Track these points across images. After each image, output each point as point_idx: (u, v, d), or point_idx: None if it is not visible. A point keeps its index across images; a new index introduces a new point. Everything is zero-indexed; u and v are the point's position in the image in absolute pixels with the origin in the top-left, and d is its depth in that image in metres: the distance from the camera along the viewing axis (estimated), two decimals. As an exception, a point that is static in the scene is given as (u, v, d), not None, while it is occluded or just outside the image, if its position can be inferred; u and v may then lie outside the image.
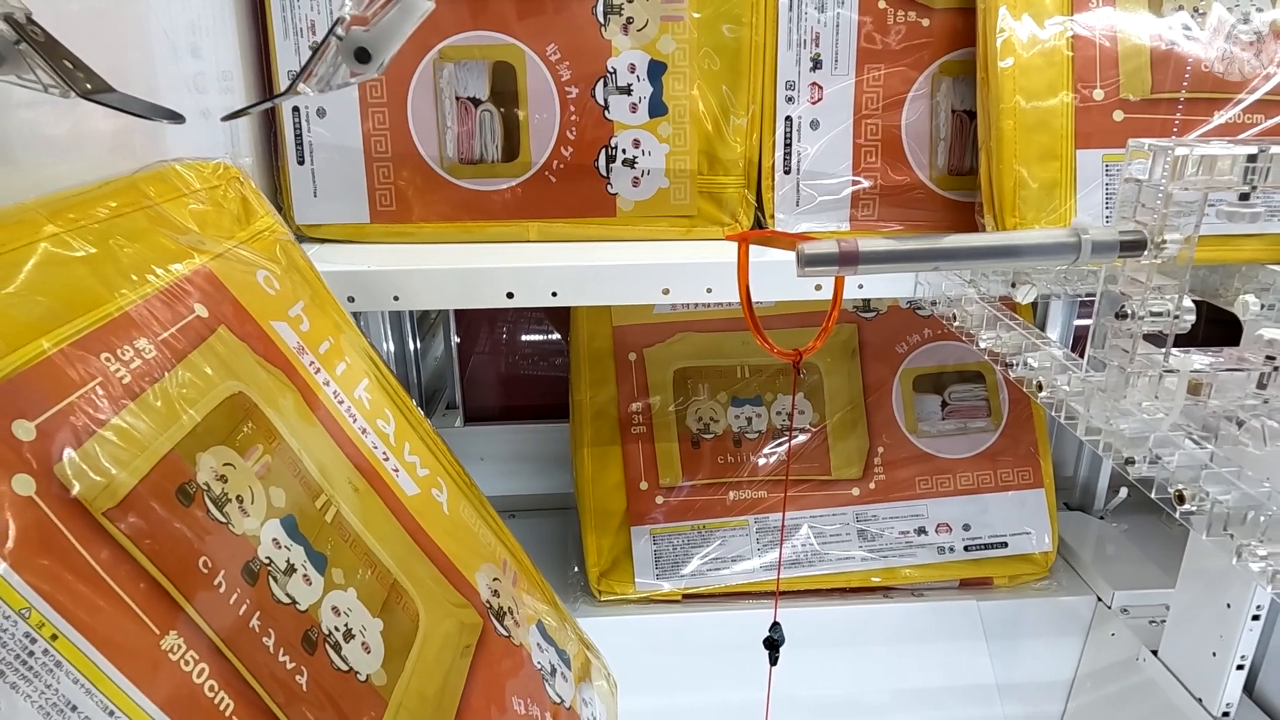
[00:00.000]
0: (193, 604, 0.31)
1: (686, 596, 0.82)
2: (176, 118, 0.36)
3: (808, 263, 0.35)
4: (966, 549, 0.83)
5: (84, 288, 0.34)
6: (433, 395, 1.16)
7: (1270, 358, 0.39)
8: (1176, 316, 0.37)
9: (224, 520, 0.35)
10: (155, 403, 0.34)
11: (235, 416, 0.39)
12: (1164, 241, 0.36)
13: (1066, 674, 0.80)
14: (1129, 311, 0.37)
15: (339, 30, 0.38)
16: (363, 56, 0.39)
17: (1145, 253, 0.36)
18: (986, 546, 0.84)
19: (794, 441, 0.84)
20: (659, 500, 0.82)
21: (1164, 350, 0.37)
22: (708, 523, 0.82)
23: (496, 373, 1.07)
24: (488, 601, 0.52)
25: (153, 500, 0.32)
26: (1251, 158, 0.35)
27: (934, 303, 0.60)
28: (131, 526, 0.30)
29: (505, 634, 0.52)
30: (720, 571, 0.82)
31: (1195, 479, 0.35)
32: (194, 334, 0.39)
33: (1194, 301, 0.62)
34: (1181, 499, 0.35)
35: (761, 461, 0.83)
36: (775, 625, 0.48)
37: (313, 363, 0.47)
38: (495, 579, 0.54)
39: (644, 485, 0.82)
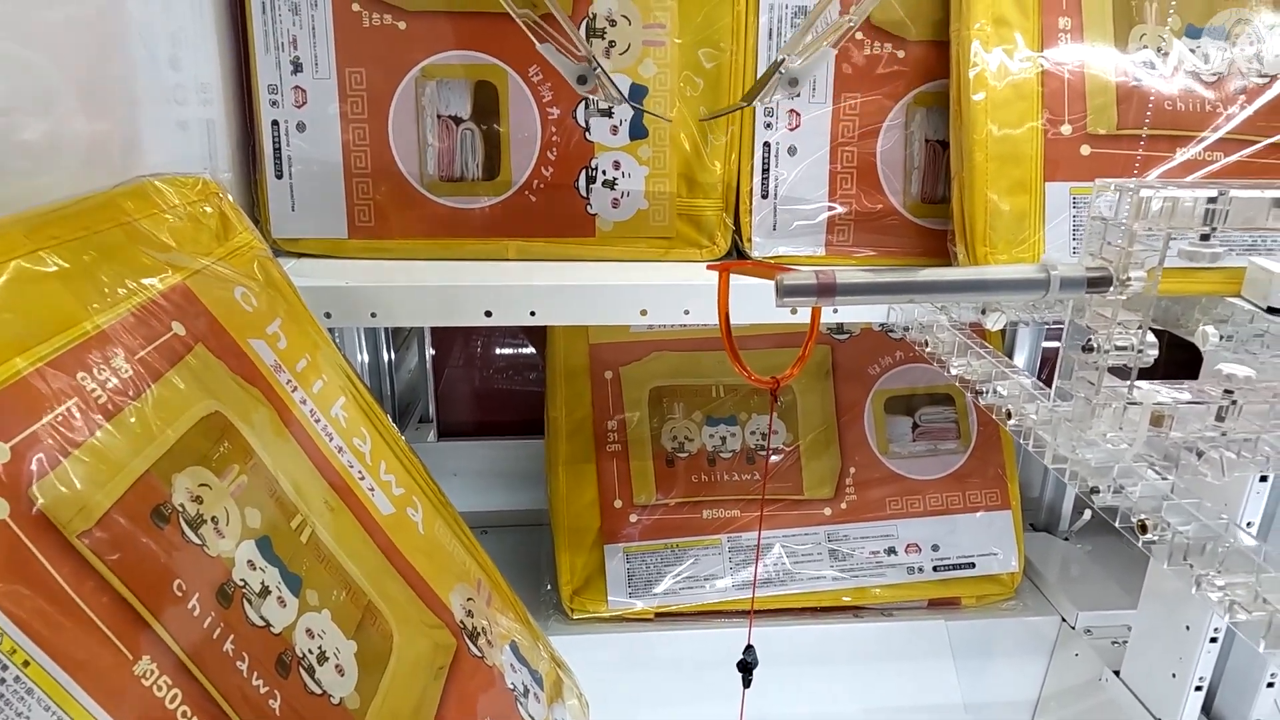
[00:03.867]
0: (166, 628, 0.31)
1: (659, 615, 0.82)
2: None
3: (786, 293, 0.35)
4: (935, 569, 0.85)
5: (61, 306, 0.34)
6: (406, 408, 1.15)
7: (1228, 391, 0.40)
8: (1140, 351, 0.38)
9: (199, 542, 0.35)
10: (131, 423, 0.34)
11: (211, 436, 0.39)
12: (1128, 278, 0.37)
13: (1031, 693, 0.82)
14: (1094, 345, 0.38)
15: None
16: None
17: (1111, 289, 0.37)
18: (955, 567, 0.85)
19: (768, 461, 0.84)
20: (633, 518, 0.83)
21: (1128, 383, 0.39)
22: (681, 541, 0.83)
23: (471, 387, 1.07)
24: (462, 622, 0.51)
25: (127, 522, 0.32)
26: (1212, 200, 0.37)
27: (907, 329, 0.61)
28: (106, 549, 0.30)
29: (479, 655, 0.51)
30: (693, 590, 0.82)
31: (1157, 509, 0.36)
32: (171, 352, 0.38)
33: (1156, 331, 0.64)
34: (1144, 528, 0.36)
35: (735, 481, 0.84)
36: (749, 648, 0.49)
37: (289, 380, 0.47)
38: (469, 599, 0.54)
39: (618, 503, 0.83)
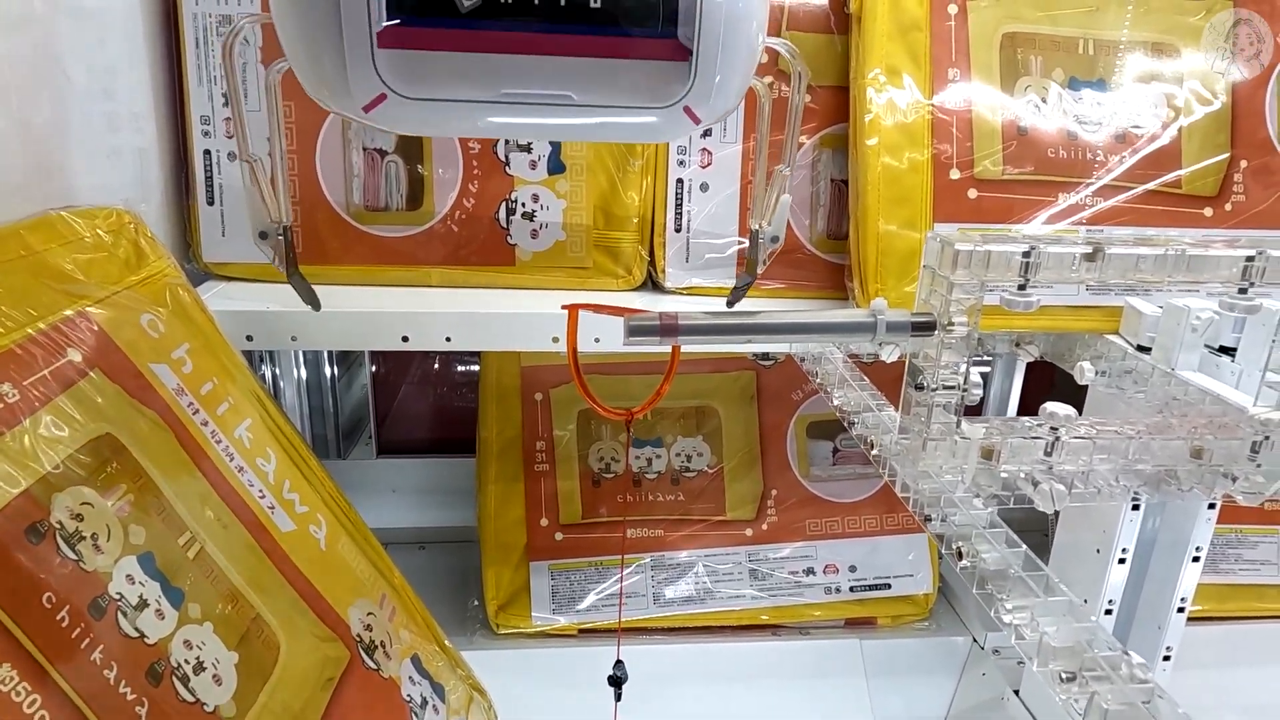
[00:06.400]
0: (30, 638, 0.33)
1: (582, 631, 0.84)
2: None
3: (632, 333, 0.38)
4: (852, 589, 0.87)
5: (-50, 335, 0.37)
6: (356, 425, 1.17)
7: (1054, 428, 0.43)
8: (965, 390, 0.41)
9: (75, 558, 0.37)
10: (11, 446, 0.36)
11: (101, 457, 0.41)
12: (951, 324, 0.40)
13: (940, 712, 0.84)
14: (924, 384, 0.41)
15: None
16: None
17: (936, 333, 0.40)
18: (871, 587, 0.88)
19: (692, 481, 0.87)
20: (558, 537, 0.85)
21: (956, 419, 0.42)
22: (605, 559, 0.85)
23: (412, 405, 1.09)
24: (358, 635, 0.54)
25: (-1, 538, 0.34)
26: (1026, 254, 0.40)
27: (802, 359, 0.64)
28: (-27, 564, 0.33)
29: (373, 667, 0.54)
30: (616, 607, 0.84)
31: (967, 537, 0.39)
32: (63, 378, 0.41)
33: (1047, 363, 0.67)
34: (960, 555, 0.39)
35: (660, 501, 0.87)
36: (619, 663, 0.51)
37: (191, 404, 0.49)
38: (370, 613, 0.56)
39: (544, 522, 0.85)
